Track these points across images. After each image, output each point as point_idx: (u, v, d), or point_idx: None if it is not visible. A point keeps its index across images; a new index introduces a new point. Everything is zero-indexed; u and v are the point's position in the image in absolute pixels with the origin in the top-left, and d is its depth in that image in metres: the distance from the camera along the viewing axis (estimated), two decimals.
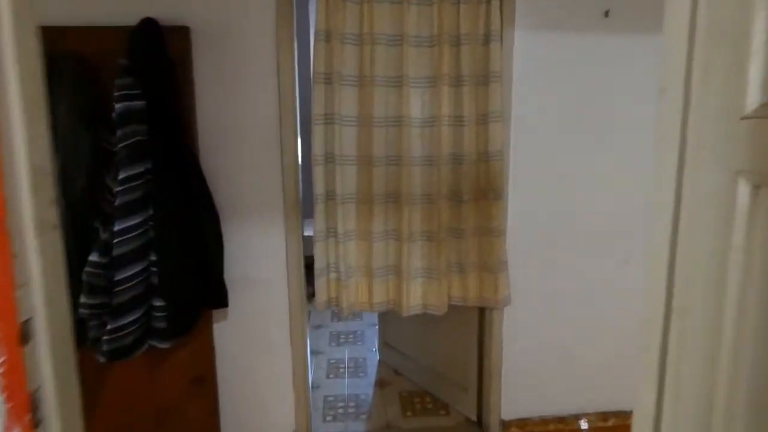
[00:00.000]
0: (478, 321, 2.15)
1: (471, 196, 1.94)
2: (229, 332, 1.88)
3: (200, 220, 1.69)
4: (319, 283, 1.90)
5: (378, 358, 2.76)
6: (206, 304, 1.74)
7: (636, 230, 2.13)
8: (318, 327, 3.16)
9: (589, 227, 2.10)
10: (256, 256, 1.88)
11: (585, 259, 2.12)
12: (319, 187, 1.86)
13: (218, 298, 1.74)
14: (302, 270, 1.96)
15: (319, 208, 1.86)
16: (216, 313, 1.85)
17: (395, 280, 1.95)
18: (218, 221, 1.75)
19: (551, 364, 2.18)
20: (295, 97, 1.86)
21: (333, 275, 1.93)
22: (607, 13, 1.92)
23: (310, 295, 1.97)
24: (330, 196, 1.88)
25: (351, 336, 3.04)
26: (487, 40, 1.85)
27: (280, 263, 1.90)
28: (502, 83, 1.89)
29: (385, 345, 2.71)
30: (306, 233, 2.06)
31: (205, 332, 1.81)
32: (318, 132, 1.82)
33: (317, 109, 1.81)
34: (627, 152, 2.07)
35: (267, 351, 1.93)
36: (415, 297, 1.95)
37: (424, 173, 1.92)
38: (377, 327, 2.81)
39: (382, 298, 1.96)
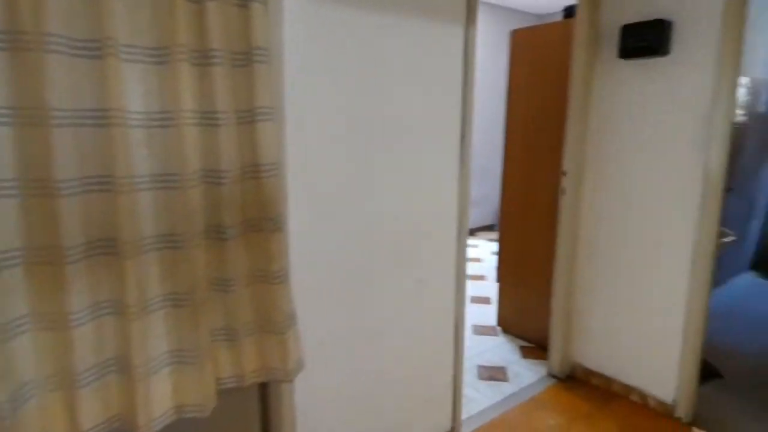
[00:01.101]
0: (260, 396, 1.56)
1: (239, 229, 1.32)
2: None
3: None
4: None
5: None
6: None
7: (427, 245, 1.89)
8: None
9: (381, 249, 1.75)
10: None
11: (381, 287, 1.77)
12: None
13: None
14: None
15: None
16: None
17: (121, 381, 1.18)
18: None
19: (357, 422, 1.77)
20: None
21: None
22: None
23: None
24: None
25: None
26: None
27: None
28: (271, 66, 1.31)
29: None
30: None
31: None
32: None
33: None
34: (419, 158, 1.79)
35: None
36: (162, 399, 1.23)
37: (158, 201, 1.20)
38: None
39: (98, 419, 1.16)
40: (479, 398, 2.51)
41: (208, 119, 1.24)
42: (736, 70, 2.01)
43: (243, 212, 1.32)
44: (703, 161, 2.12)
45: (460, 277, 2.06)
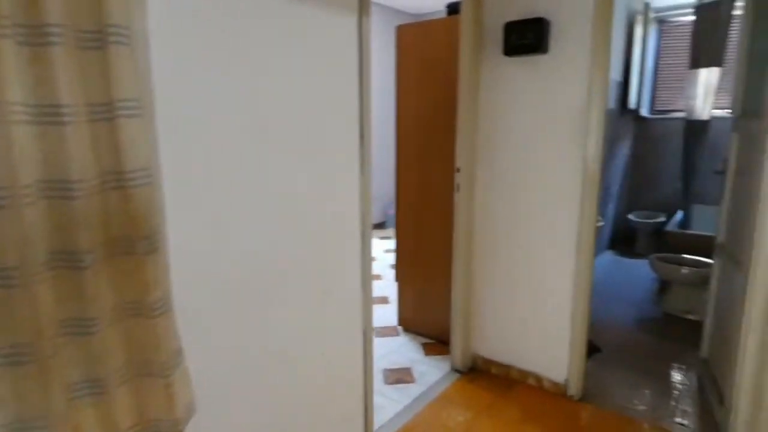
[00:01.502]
0: None
1: (101, 253, 1.05)
2: None
3: None
4: None
5: None
6: None
7: (330, 249, 1.74)
8: None
9: (279, 260, 1.56)
10: None
11: (282, 303, 1.58)
12: None
13: None
14: None
15: None
16: None
17: None
18: None
19: None
20: None
21: None
22: None
23: None
24: None
25: None
26: None
27: None
28: (135, 49, 1.06)
29: None
30: None
31: None
32: None
33: None
34: (316, 157, 1.62)
35: None
36: None
37: None
38: None
39: None
40: (388, 404, 2.43)
41: (47, 115, 0.95)
42: (606, 68, 2.16)
43: (105, 232, 1.05)
44: (582, 152, 2.26)
45: (366, 280, 1.94)
